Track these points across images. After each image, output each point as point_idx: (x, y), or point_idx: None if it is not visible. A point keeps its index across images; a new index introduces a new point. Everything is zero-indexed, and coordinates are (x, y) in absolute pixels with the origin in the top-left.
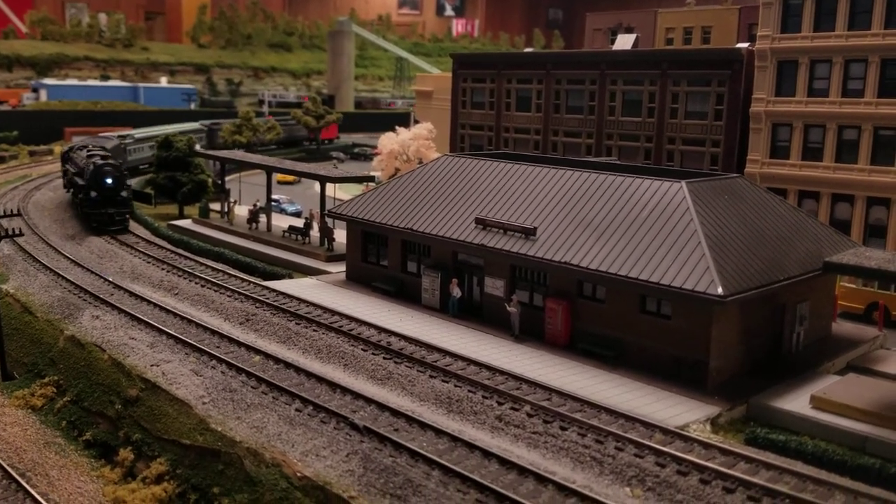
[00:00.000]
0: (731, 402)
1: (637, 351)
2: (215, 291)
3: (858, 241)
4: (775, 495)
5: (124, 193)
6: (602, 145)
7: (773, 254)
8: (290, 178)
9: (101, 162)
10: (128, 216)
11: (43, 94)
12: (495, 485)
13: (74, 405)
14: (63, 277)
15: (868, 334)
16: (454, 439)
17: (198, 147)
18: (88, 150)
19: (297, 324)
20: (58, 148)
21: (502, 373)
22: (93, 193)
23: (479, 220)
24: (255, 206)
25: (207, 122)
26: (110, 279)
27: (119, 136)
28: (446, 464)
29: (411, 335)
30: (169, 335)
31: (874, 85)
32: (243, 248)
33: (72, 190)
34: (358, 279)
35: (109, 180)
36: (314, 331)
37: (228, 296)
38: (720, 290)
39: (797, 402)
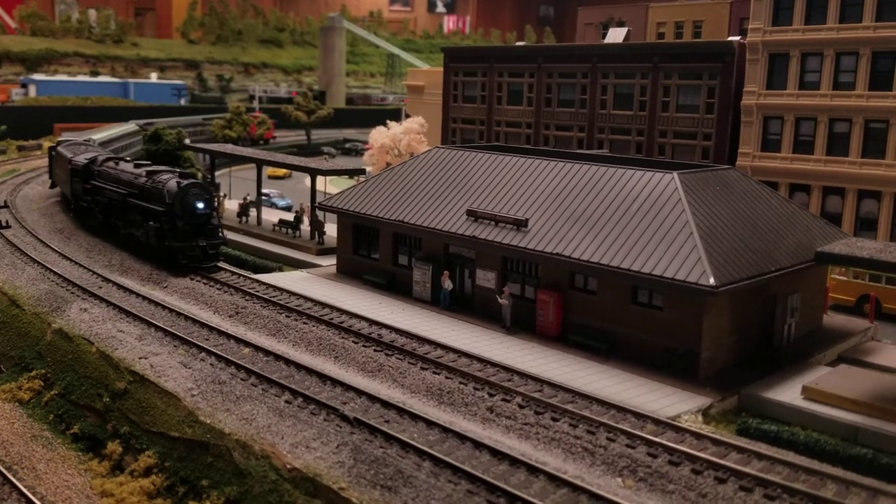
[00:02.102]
0: (722, 393)
1: (628, 342)
2: (204, 284)
3: (850, 234)
4: (767, 485)
5: (215, 219)
6: (593, 139)
7: (765, 245)
8: (281, 172)
9: (185, 182)
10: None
11: (32, 90)
12: (486, 475)
13: (62, 398)
14: (51, 270)
15: (859, 326)
16: (445, 430)
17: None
18: (137, 163)
19: (287, 316)
20: (47, 143)
21: (493, 364)
22: (179, 223)
23: (470, 212)
24: (245, 200)
25: (142, 121)
26: None
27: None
28: (437, 455)
29: (402, 327)
30: (157, 328)
31: (865, 78)
32: (233, 242)
33: (89, 209)
34: (349, 272)
35: (201, 205)
36: (304, 323)
37: (218, 289)
38: (711, 281)
39: (789, 393)
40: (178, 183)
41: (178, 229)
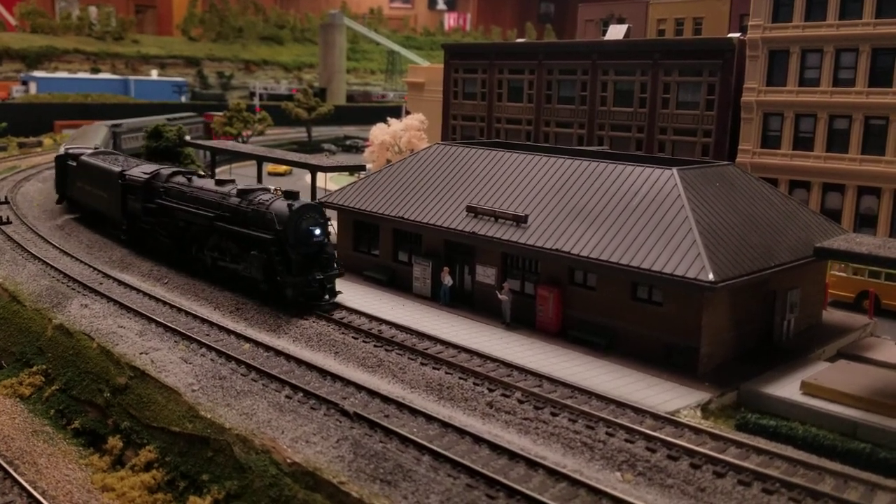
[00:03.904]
0: (721, 389)
1: (628, 338)
2: (204, 280)
3: (849, 230)
4: (766, 479)
5: (330, 246)
6: (594, 135)
7: (764, 241)
8: (282, 169)
9: (297, 204)
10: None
11: (33, 87)
12: (486, 469)
13: (63, 394)
14: (52, 266)
15: (858, 322)
16: (445, 425)
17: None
18: (219, 179)
19: (286, 313)
20: (48, 140)
21: (493, 360)
22: (292, 254)
23: (470, 208)
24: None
25: (109, 122)
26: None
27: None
28: (437, 449)
29: (402, 323)
30: (158, 323)
31: (865, 74)
32: None
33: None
34: (349, 268)
35: (317, 231)
36: (304, 319)
37: (218, 285)
38: (711, 277)
39: (788, 389)
40: (290, 205)
41: (291, 261)
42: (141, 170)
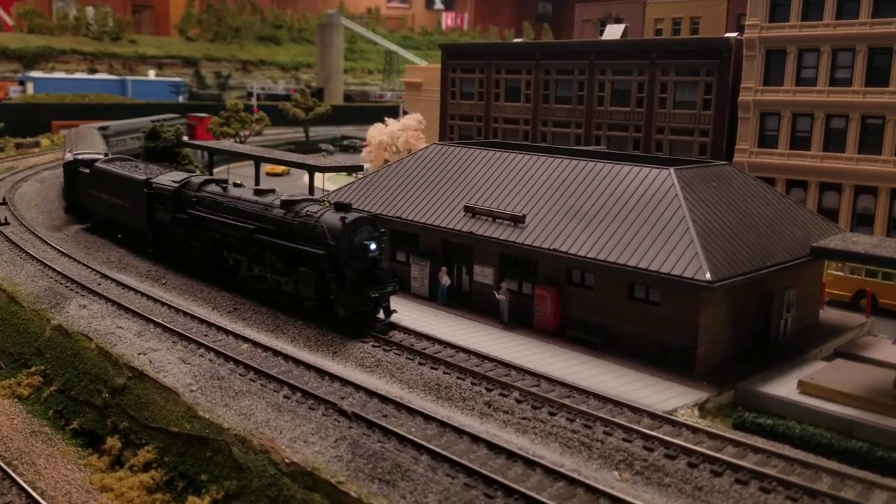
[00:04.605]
0: (718, 388)
1: (625, 337)
2: (202, 281)
3: (846, 230)
4: (763, 478)
5: (384, 262)
6: (591, 135)
7: (761, 240)
8: (280, 169)
9: (351, 216)
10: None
11: (30, 88)
12: (484, 469)
13: (61, 394)
14: (50, 267)
15: (855, 321)
16: (443, 425)
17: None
18: (257, 189)
19: (284, 313)
20: (46, 141)
21: (491, 360)
22: (347, 270)
23: (468, 208)
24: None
25: (96, 124)
26: None
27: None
28: (435, 449)
29: (400, 323)
30: (156, 324)
31: (862, 74)
32: None
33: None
34: None
35: (373, 245)
36: (302, 320)
37: (215, 285)
38: (708, 276)
39: (785, 388)
40: (343, 218)
41: (345, 278)
42: (169, 178)
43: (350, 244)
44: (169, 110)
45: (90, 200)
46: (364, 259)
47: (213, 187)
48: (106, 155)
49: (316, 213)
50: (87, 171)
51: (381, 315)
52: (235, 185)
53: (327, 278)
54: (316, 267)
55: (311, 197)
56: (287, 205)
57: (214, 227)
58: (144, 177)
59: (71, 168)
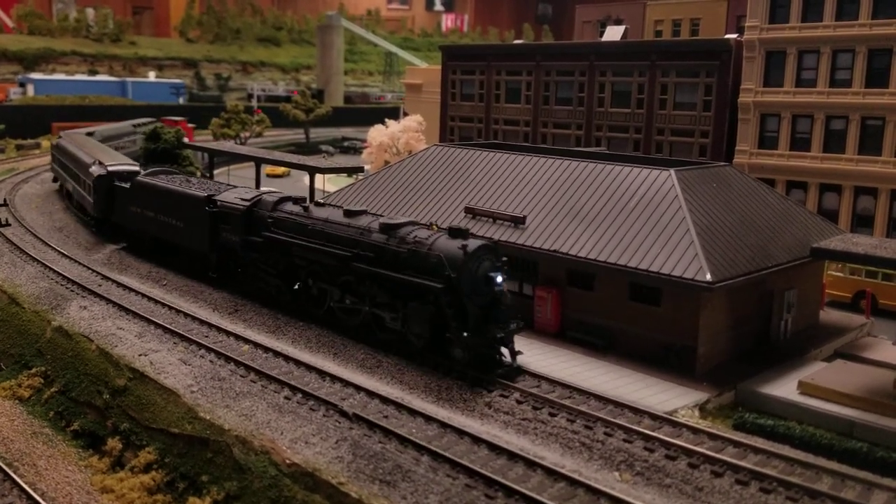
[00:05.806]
0: (719, 388)
1: (626, 338)
2: (202, 282)
3: (846, 231)
4: (763, 478)
5: (508, 296)
6: (591, 137)
7: (762, 241)
8: (280, 171)
9: (473, 244)
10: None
11: (30, 89)
12: (484, 469)
13: (62, 395)
14: (50, 268)
15: (855, 322)
16: (444, 426)
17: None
18: (347, 210)
19: (285, 314)
20: (45, 142)
21: None
22: (469, 306)
23: (468, 209)
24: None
25: (84, 129)
26: None
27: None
28: (436, 449)
29: None
30: (157, 325)
31: (861, 75)
32: None
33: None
34: None
35: (499, 279)
36: (302, 321)
37: (215, 287)
38: (708, 277)
39: (785, 388)
40: (463, 246)
41: (467, 314)
42: (234, 195)
43: (473, 276)
44: (169, 112)
45: (130, 218)
46: (487, 293)
47: (291, 206)
48: (142, 167)
49: (427, 238)
50: (126, 185)
51: (507, 357)
52: (317, 203)
53: (446, 315)
54: (434, 301)
55: (412, 220)
56: (389, 228)
57: (297, 253)
58: (204, 193)
59: (104, 183)
